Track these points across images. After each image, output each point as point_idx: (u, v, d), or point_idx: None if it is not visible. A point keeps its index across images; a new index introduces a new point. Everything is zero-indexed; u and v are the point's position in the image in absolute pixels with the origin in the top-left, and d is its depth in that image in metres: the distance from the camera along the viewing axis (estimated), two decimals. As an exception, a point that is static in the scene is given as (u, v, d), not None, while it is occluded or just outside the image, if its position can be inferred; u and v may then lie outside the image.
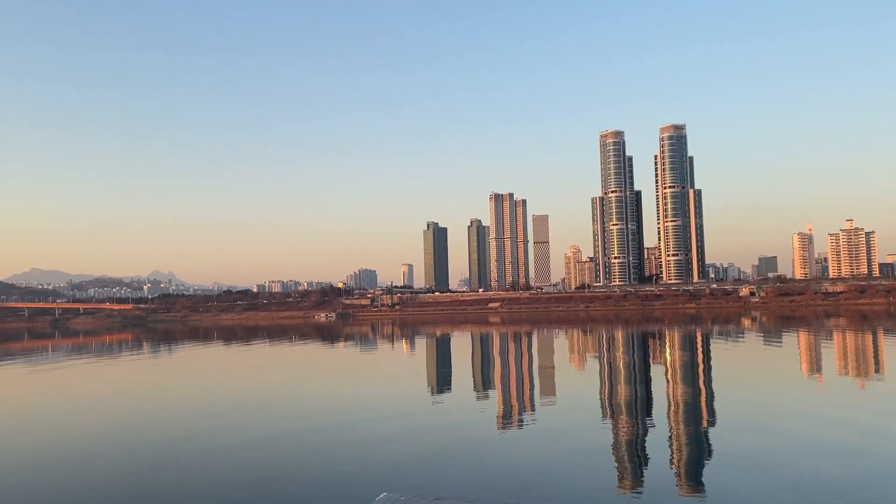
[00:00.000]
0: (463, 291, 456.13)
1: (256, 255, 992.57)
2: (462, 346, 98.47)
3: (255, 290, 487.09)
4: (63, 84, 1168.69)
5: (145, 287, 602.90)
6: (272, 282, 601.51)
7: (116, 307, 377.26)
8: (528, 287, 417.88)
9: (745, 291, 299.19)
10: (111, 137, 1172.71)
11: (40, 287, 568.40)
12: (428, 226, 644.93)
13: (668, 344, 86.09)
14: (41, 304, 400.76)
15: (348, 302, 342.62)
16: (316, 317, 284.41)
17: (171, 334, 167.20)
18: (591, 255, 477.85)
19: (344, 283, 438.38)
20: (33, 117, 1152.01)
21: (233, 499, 19.95)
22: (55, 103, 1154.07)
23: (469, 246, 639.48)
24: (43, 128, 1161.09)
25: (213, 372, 68.54)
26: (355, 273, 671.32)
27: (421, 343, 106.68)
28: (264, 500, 19.70)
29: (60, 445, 29.36)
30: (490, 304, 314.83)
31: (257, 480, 22.01)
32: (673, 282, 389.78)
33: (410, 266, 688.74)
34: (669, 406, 35.60)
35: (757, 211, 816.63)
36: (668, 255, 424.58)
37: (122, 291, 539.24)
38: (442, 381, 53.21)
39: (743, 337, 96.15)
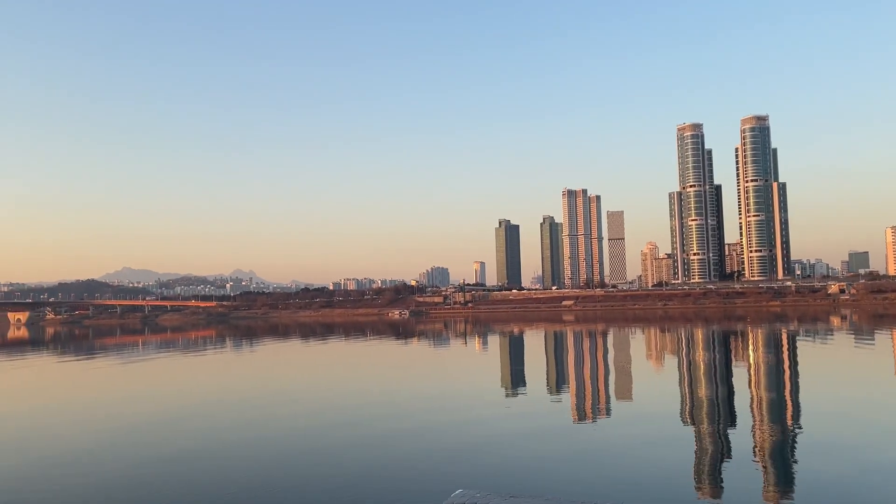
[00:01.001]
0: (535, 289, 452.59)
1: (332, 253, 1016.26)
2: (535, 343, 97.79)
3: (331, 287, 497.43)
4: (155, 93, 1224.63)
5: (228, 285, 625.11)
6: (347, 280, 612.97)
7: (201, 304, 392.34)
8: (602, 284, 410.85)
9: (834, 289, 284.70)
10: (196, 144, 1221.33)
11: (131, 285, 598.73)
12: (500, 223, 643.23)
13: (751, 343, 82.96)
14: (132, 302, 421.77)
15: (421, 300, 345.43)
16: (390, 314, 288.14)
17: (252, 330, 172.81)
18: (669, 252, 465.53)
19: (417, 281, 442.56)
20: (126, 126, 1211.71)
21: (310, 493, 20.50)
22: (148, 112, 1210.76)
23: (542, 243, 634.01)
24: (135, 136, 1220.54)
25: (293, 367, 70.45)
26: (428, 271, 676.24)
27: (494, 340, 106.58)
28: (341, 494, 20.12)
29: (172, 440, 30.81)
30: (563, 302, 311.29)
31: (334, 476, 22.51)
32: (756, 279, 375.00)
33: (482, 264, 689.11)
34: (753, 408, 34.34)
35: (846, 204, 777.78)
36: (751, 252, 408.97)
37: (206, 289, 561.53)
38: (515, 378, 53.01)
39: (832, 336, 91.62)
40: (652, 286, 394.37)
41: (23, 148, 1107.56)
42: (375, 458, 24.35)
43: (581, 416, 33.04)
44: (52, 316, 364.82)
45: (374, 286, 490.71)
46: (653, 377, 50.80)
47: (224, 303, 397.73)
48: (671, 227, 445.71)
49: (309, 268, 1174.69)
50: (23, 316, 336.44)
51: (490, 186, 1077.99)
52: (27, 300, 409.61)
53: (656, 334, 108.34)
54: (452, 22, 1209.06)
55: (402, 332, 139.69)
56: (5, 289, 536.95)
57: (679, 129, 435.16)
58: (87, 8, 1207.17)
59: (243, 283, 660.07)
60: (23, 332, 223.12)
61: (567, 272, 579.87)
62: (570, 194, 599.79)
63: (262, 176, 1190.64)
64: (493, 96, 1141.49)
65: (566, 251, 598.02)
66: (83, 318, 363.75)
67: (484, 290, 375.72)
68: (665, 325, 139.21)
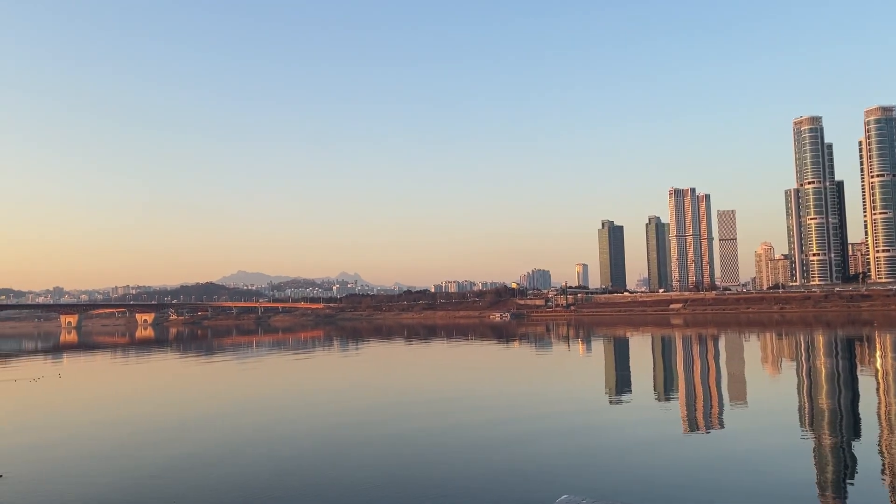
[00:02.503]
0: (641, 292, 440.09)
1: (434, 256, 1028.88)
2: (641, 347, 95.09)
3: (432, 290, 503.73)
4: (270, 96, 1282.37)
5: (334, 287, 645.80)
6: (448, 282, 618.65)
7: (310, 306, 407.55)
8: (713, 287, 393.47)
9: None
10: (305, 150, 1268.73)
11: (245, 288, 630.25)
12: (603, 224, 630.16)
13: (879, 349, 77.10)
14: (246, 304, 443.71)
15: (522, 302, 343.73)
16: (490, 316, 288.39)
17: (357, 331, 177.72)
18: (786, 253, 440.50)
19: (517, 284, 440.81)
20: (242, 133, 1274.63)
21: (415, 494, 20.81)
22: (260, 119, 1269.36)
23: (647, 244, 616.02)
24: (249, 144, 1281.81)
25: (399, 368, 71.84)
26: (529, 273, 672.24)
27: (597, 344, 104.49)
28: (446, 497, 20.31)
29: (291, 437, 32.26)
30: (671, 306, 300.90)
31: (440, 478, 22.76)
32: (884, 280, 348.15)
33: (585, 266, 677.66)
34: (881, 420, 31.87)
35: None
36: (878, 251, 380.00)
37: (314, 291, 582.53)
38: (621, 382, 51.72)
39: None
40: (767, 288, 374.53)
41: (149, 154, 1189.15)
42: (480, 461, 24.41)
43: (692, 424, 31.81)
44: (174, 317, 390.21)
45: (475, 289, 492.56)
46: (769, 384, 48.21)
47: (331, 304, 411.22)
48: (788, 227, 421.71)
49: (411, 270, 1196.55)
50: (149, 317, 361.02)
51: (593, 187, 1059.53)
52: (152, 302, 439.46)
53: (773, 339, 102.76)
54: (560, 21, 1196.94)
55: (503, 334, 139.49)
56: (133, 291, 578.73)
57: (796, 124, 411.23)
58: (230, 10, 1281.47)
59: (349, 286, 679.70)
60: (149, 332, 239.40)
61: (675, 274, 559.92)
62: (678, 193, 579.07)
63: (367, 181, 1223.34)
64: (596, 96, 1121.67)
65: (674, 252, 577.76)
66: (203, 318, 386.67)
67: (587, 293, 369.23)
68: (782, 329, 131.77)
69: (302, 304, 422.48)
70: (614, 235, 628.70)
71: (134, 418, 38.32)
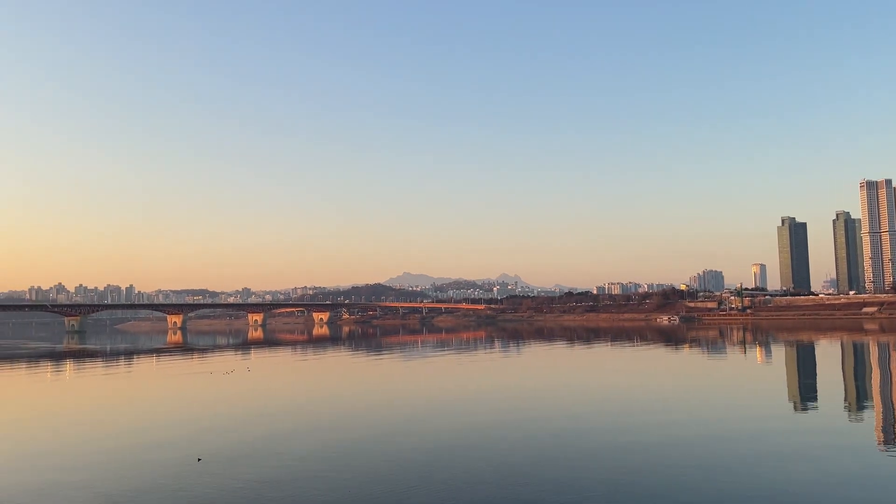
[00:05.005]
0: (828, 294, 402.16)
1: (596, 257, 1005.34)
2: (829, 355, 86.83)
3: (594, 292, 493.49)
4: (433, 82, 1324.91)
5: (495, 289, 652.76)
6: (612, 284, 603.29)
7: (471, 307, 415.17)
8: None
9: None
10: (472, 158, 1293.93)
11: (410, 289, 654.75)
12: (783, 221, 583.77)
13: None
14: (411, 304, 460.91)
15: (692, 305, 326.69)
16: (658, 319, 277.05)
17: (518, 333, 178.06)
18: None
19: (687, 285, 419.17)
20: (414, 138, 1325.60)
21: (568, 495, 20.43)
22: (430, 124, 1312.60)
23: (835, 242, 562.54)
24: (419, 154, 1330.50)
25: (560, 370, 71.11)
26: (699, 274, 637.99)
27: (778, 350, 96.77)
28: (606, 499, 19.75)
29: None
30: (864, 309, 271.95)
31: (601, 482, 22.19)
32: None
33: (762, 266, 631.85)
34: None
35: None
36: None
37: (475, 293, 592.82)
38: (805, 392, 47.55)
39: None
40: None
41: (332, 168, 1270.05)
42: (644, 467, 23.50)
43: (889, 437, 28.53)
44: (347, 316, 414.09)
45: (640, 290, 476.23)
46: None
47: (492, 306, 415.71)
48: None
49: (572, 272, 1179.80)
50: (324, 316, 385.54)
51: (770, 181, 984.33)
52: (327, 302, 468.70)
53: None
54: (736, 5, 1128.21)
55: (671, 338, 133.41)
56: (310, 292, 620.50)
57: None
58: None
59: (509, 287, 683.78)
60: (324, 330, 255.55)
61: (868, 275, 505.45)
62: (870, 186, 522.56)
63: (529, 183, 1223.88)
64: (774, 84, 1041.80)
65: (866, 251, 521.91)
66: (372, 318, 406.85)
67: (765, 295, 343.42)
68: None
69: (464, 305, 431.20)
70: (796, 233, 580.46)
71: (314, 409, 41.02)
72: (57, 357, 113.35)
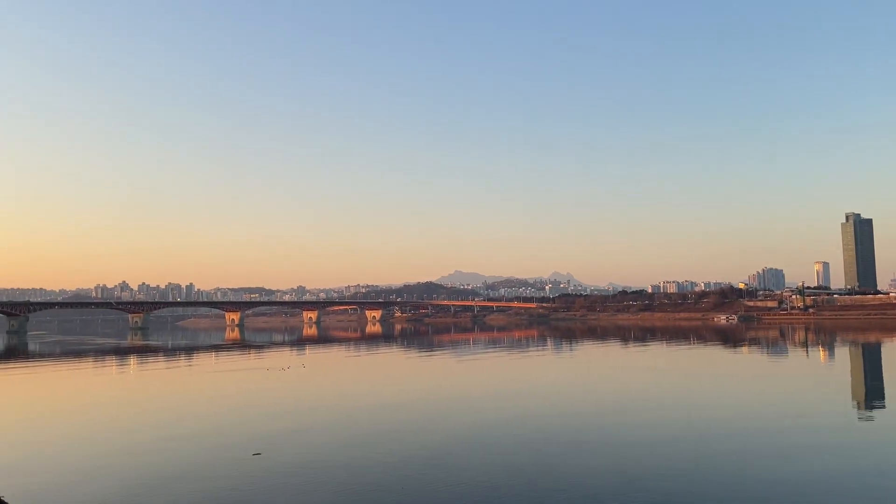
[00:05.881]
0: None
1: (650, 255, 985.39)
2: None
3: (649, 290, 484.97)
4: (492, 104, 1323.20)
5: (546, 287, 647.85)
6: (667, 282, 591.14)
7: (523, 306, 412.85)
8: None
9: None
10: (525, 154, 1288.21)
11: (462, 287, 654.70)
12: (847, 217, 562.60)
13: None
14: (463, 302, 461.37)
15: (751, 304, 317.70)
16: (715, 319, 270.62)
17: (570, 332, 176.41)
18: None
19: (746, 284, 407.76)
20: (467, 138, 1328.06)
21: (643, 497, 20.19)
22: (470, 121, 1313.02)
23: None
24: (472, 150, 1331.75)
25: (617, 370, 70.25)
26: (758, 273, 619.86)
27: (842, 351, 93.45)
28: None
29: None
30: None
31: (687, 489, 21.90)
32: None
33: (825, 264, 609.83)
34: None
35: None
36: None
37: (527, 291, 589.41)
38: (871, 395, 45.81)
39: None
40: None
41: (379, 161, 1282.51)
42: (720, 475, 23.05)
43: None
44: (399, 314, 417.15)
45: (697, 289, 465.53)
46: None
47: (544, 304, 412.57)
48: None
49: (626, 270, 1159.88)
50: (377, 313, 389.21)
51: (833, 175, 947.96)
52: (379, 300, 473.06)
53: None
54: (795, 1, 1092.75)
55: (729, 338, 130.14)
56: (363, 290, 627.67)
57: None
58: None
59: (561, 286, 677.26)
60: (377, 328, 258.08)
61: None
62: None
63: (579, 180, 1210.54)
64: (835, 72, 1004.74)
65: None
66: (424, 315, 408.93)
67: (828, 294, 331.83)
68: None
69: (515, 304, 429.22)
70: (861, 230, 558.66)
71: (369, 405, 41.57)
72: (121, 353, 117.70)
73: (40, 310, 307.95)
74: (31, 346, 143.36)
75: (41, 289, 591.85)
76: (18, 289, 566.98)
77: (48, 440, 32.25)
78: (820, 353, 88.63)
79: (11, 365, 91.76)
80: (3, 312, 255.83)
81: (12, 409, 45.63)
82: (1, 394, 56.82)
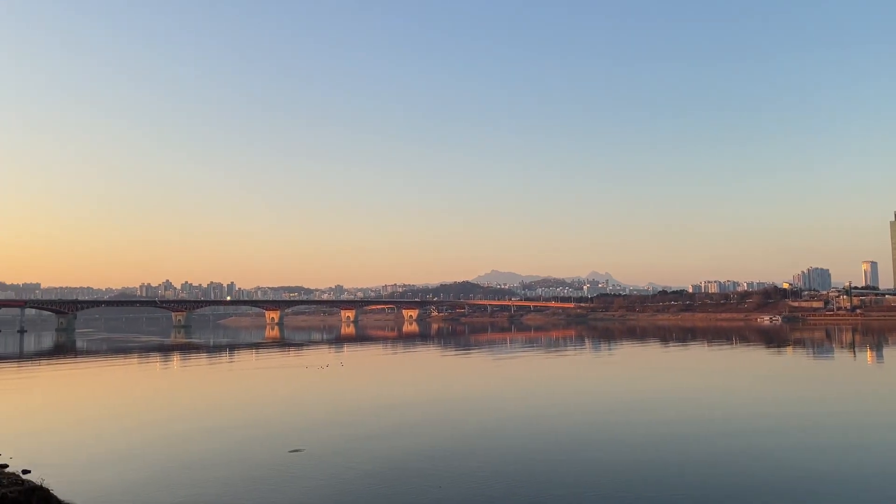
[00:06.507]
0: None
1: (691, 254, 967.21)
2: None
3: (690, 290, 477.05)
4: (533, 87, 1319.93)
5: (584, 287, 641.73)
6: (708, 282, 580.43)
7: (561, 305, 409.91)
8: None
9: None
10: (565, 151, 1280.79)
11: (498, 287, 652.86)
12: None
13: None
14: (500, 302, 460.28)
15: (795, 304, 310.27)
16: (758, 319, 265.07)
17: (609, 332, 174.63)
18: None
19: (790, 284, 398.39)
20: (501, 136, 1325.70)
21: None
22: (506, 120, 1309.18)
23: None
24: (508, 150, 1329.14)
25: (661, 371, 69.33)
26: (803, 272, 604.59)
27: (892, 353, 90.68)
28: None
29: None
30: None
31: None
32: None
33: (873, 264, 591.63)
34: None
35: None
36: None
37: (565, 291, 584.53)
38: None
39: None
40: None
41: (412, 165, 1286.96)
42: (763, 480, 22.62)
43: None
44: (435, 313, 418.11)
45: (739, 289, 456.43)
46: None
47: (582, 304, 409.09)
48: None
49: (665, 270, 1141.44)
50: (413, 313, 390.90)
51: (881, 172, 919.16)
52: (416, 299, 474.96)
53: None
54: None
55: (773, 339, 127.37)
56: (400, 289, 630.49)
57: None
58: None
59: (599, 286, 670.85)
60: (414, 327, 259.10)
61: None
62: None
63: (617, 179, 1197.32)
64: (882, 63, 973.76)
65: None
66: (460, 315, 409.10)
67: (876, 294, 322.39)
68: None
69: (553, 304, 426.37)
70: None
71: (406, 404, 41.80)
72: (165, 350, 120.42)
73: (88, 308, 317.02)
74: (80, 344, 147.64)
75: (88, 287, 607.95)
76: (67, 287, 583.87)
77: (95, 433, 33.19)
78: (867, 355, 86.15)
79: (62, 361, 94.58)
80: (52, 310, 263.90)
81: (63, 403, 47.02)
82: (53, 389, 58.59)
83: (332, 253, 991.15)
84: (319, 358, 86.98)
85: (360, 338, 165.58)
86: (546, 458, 25.89)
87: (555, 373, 67.32)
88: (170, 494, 21.32)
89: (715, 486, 21.47)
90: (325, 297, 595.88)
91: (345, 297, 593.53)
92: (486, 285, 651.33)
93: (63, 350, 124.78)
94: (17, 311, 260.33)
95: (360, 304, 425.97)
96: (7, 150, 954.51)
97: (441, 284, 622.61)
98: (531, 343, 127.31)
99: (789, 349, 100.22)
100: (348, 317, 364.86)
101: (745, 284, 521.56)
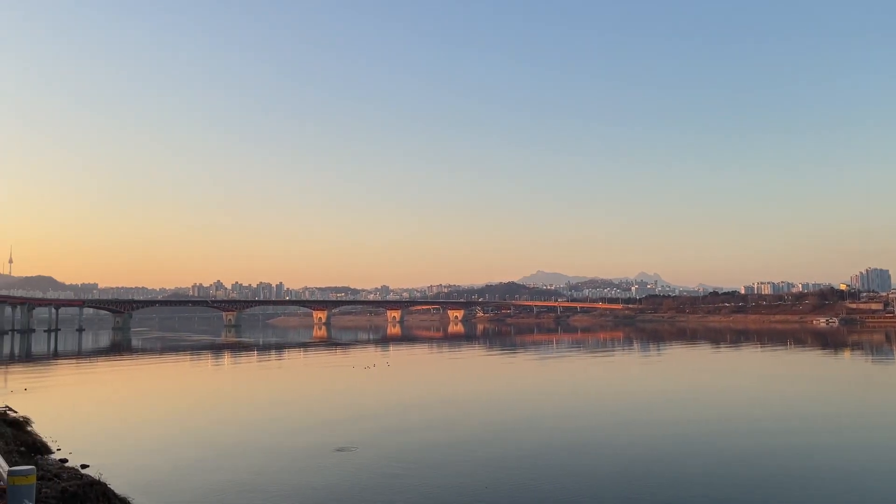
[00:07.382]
0: None
1: (743, 255, 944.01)
2: None
3: (742, 291, 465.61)
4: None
5: (633, 288, 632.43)
6: (761, 283, 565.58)
7: (608, 307, 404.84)
8: None
9: None
10: (611, 155, 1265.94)
11: (544, 287, 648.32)
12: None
13: None
14: (546, 303, 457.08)
15: (853, 306, 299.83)
16: (814, 322, 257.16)
17: (658, 334, 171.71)
18: None
19: (847, 285, 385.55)
20: (547, 138, 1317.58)
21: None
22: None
23: None
24: (551, 153, 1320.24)
25: (709, 374, 67.93)
26: (861, 273, 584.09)
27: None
28: None
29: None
30: None
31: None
32: None
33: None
34: None
35: None
36: None
37: (612, 292, 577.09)
38: None
39: None
40: None
41: (468, 165, 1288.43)
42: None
43: None
44: (481, 314, 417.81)
45: (794, 290, 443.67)
46: None
47: (630, 305, 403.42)
48: None
49: (717, 270, 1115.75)
50: (459, 313, 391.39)
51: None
52: (461, 300, 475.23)
53: None
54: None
55: (829, 342, 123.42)
56: (445, 290, 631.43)
57: None
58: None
59: (648, 287, 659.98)
60: (459, 328, 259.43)
61: None
62: None
63: (666, 178, 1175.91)
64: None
65: None
66: (506, 316, 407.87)
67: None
68: None
69: (600, 305, 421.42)
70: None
71: (450, 405, 41.84)
72: (217, 349, 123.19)
73: (142, 307, 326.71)
74: (135, 342, 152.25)
75: (143, 287, 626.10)
76: (123, 287, 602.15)
77: (150, 429, 34.12)
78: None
79: (118, 359, 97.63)
80: (109, 310, 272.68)
81: (119, 400, 48.50)
82: (110, 386, 60.47)
83: (378, 253, 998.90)
84: (366, 358, 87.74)
85: (406, 338, 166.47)
86: (588, 458, 25.58)
87: (602, 374, 66.49)
88: (218, 494, 21.74)
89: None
90: (371, 297, 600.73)
91: (390, 297, 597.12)
92: (531, 286, 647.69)
93: (119, 348, 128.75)
94: (76, 310, 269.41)
95: (405, 304, 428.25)
96: (70, 153, 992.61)
97: (486, 285, 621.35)
98: (578, 344, 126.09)
99: (847, 353, 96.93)
100: (394, 317, 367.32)
101: (800, 285, 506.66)
